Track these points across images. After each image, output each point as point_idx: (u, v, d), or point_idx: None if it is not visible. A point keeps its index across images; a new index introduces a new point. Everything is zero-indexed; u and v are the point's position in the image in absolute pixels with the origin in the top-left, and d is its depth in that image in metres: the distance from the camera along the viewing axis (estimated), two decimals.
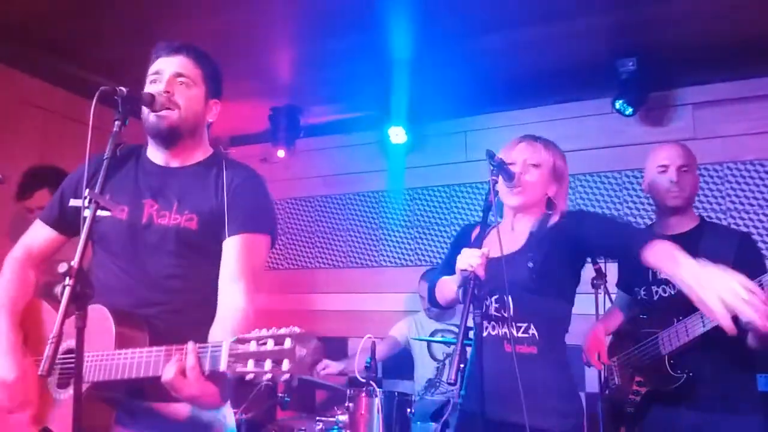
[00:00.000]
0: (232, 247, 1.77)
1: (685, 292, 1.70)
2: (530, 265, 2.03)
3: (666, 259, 1.80)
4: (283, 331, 1.32)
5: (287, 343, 1.29)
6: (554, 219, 2.15)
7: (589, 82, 4.17)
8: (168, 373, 1.44)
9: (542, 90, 4.41)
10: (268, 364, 1.29)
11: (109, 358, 1.55)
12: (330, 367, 3.88)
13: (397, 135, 4.75)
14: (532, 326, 2.03)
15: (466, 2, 3.29)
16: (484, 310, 2.07)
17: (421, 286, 4.15)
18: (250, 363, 1.31)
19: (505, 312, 2.04)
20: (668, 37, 3.66)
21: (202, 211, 1.79)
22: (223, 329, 1.64)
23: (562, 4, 3.28)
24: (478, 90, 4.50)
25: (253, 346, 1.32)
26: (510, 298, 2.03)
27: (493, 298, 2.08)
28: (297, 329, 1.32)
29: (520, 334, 2.03)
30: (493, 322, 2.07)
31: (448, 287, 2.14)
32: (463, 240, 2.21)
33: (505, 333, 2.02)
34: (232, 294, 1.73)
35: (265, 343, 1.31)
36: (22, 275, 1.90)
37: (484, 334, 2.07)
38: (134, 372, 1.51)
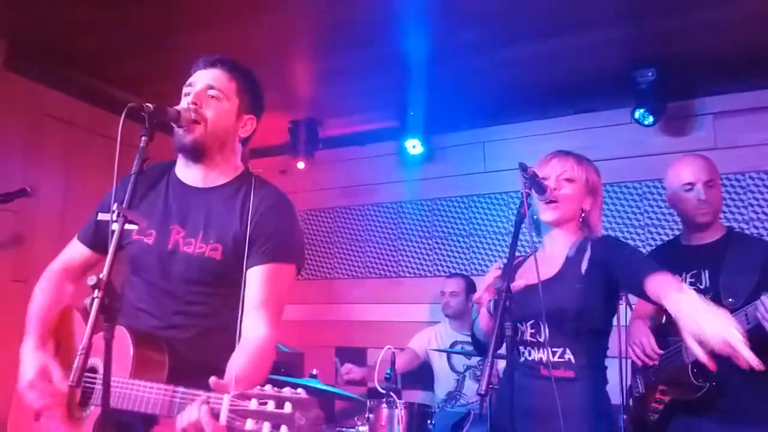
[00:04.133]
0: (256, 277, 1.78)
1: (679, 324, 1.66)
2: (578, 286, 2.06)
3: (666, 289, 1.77)
4: (286, 392, 1.30)
5: (287, 408, 1.27)
6: (589, 244, 2.15)
7: (609, 92, 4.16)
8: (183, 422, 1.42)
9: (561, 100, 4.41)
10: (266, 427, 1.26)
11: (125, 387, 1.55)
12: (354, 372, 3.87)
13: (414, 147, 4.78)
14: (567, 351, 2.05)
15: (485, 14, 3.30)
16: (519, 336, 2.10)
17: (443, 283, 4.25)
18: (249, 422, 1.28)
19: (540, 337, 2.06)
20: (688, 47, 3.64)
21: (226, 241, 1.79)
22: (243, 356, 1.67)
23: (581, 14, 3.29)
24: (497, 100, 4.51)
25: (253, 404, 1.29)
26: (545, 324, 2.05)
27: (528, 324, 2.09)
28: (301, 393, 1.30)
29: (556, 359, 2.05)
30: (529, 348, 2.09)
31: (485, 315, 2.14)
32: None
33: (541, 358, 2.05)
34: (254, 322, 1.74)
35: (265, 403, 1.29)
36: (57, 286, 1.95)
37: (521, 359, 2.10)
38: (149, 408, 1.51)
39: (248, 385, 1.35)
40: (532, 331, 2.08)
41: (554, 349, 2.05)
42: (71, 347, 1.86)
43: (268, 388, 1.32)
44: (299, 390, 1.31)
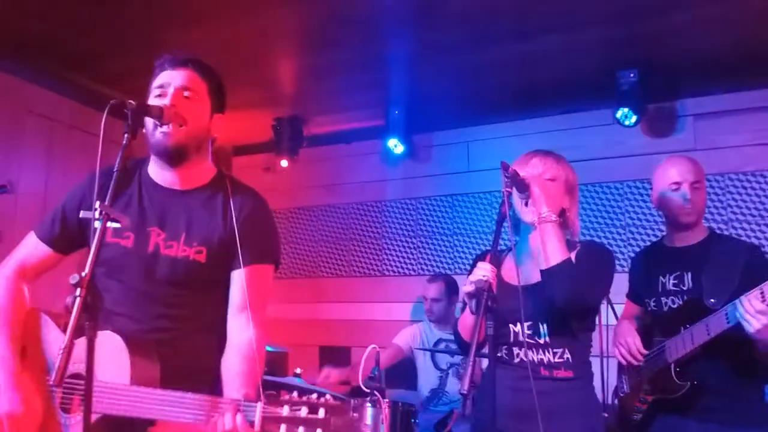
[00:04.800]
0: (240, 279, 1.79)
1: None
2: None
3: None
4: (316, 398, 1.33)
5: (321, 413, 1.30)
6: (575, 246, 2.17)
7: (591, 93, 4.19)
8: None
9: (544, 101, 4.44)
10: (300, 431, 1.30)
11: (130, 394, 1.54)
12: (332, 376, 3.87)
13: (396, 146, 4.79)
14: (566, 351, 2.07)
15: (469, 14, 3.32)
16: (513, 337, 2.10)
17: (424, 288, 4.19)
18: (283, 427, 1.31)
19: (539, 338, 2.07)
20: (669, 49, 3.69)
21: (210, 244, 1.79)
22: (239, 358, 1.68)
23: (564, 16, 3.31)
24: (481, 100, 4.53)
25: (286, 411, 1.33)
26: (545, 325, 2.07)
27: (525, 325, 2.09)
28: (332, 399, 1.33)
29: (556, 360, 2.07)
30: (525, 348, 2.09)
31: (467, 316, 2.14)
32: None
33: (541, 359, 2.06)
34: (242, 323, 1.76)
35: (298, 409, 1.32)
36: (15, 291, 1.85)
37: (515, 360, 2.11)
38: (160, 415, 1.51)
39: (250, 386, 1.36)
40: (529, 332, 2.08)
41: (555, 350, 2.07)
42: (40, 352, 1.80)
43: (295, 394, 1.35)
44: (328, 395, 1.34)
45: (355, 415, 1.32)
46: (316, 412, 1.30)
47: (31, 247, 1.90)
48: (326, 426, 1.29)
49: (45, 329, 1.84)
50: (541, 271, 2.01)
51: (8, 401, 1.68)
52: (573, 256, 2.11)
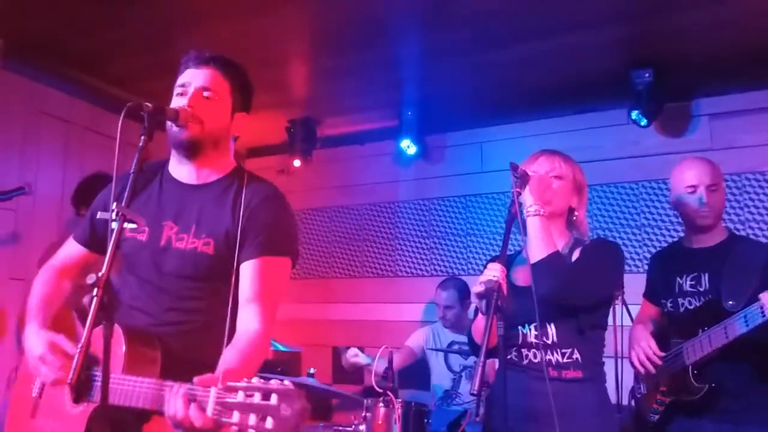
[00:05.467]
0: (249, 271, 1.76)
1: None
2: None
3: None
4: (272, 384, 1.29)
5: (273, 399, 1.26)
6: (579, 246, 2.16)
7: (606, 92, 4.17)
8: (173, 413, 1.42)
9: (558, 101, 4.42)
10: (252, 419, 1.26)
11: (114, 382, 1.54)
12: (359, 356, 3.86)
13: (408, 147, 4.79)
14: (575, 351, 2.06)
15: (480, 14, 3.31)
16: (521, 339, 2.10)
17: (437, 294, 4.16)
18: (235, 414, 1.28)
19: (547, 339, 2.07)
20: (685, 48, 3.66)
21: (218, 236, 1.78)
22: (234, 350, 1.65)
23: (579, 15, 3.30)
24: (494, 101, 4.52)
25: (240, 396, 1.29)
26: (552, 326, 2.07)
27: (532, 326, 2.09)
28: (288, 385, 1.29)
29: (564, 360, 2.06)
30: (534, 350, 2.09)
31: (480, 320, 2.13)
32: None
33: (549, 360, 2.05)
34: (247, 316, 1.73)
35: (252, 395, 1.28)
36: (56, 281, 1.95)
37: (524, 362, 2.11)
38: (139, 402, 1.52)
39: (239, 380, 1.36)
40: (537, 333, 2.08)
41: (563, 350, 2.06)
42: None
43: (255, 380, 1.32)
44: (286, 382, 1.31)
45: (306, 403, 1.30)
46: (269, 398, 1.27)
47: (71, 247, 2.02)
48: (276, 413, 1.25)
49: (76, 328, 1.89)
50: (531, 265, 2.01)
51: (38, 350, 1.70)
52: (578, 252, 2.12)
